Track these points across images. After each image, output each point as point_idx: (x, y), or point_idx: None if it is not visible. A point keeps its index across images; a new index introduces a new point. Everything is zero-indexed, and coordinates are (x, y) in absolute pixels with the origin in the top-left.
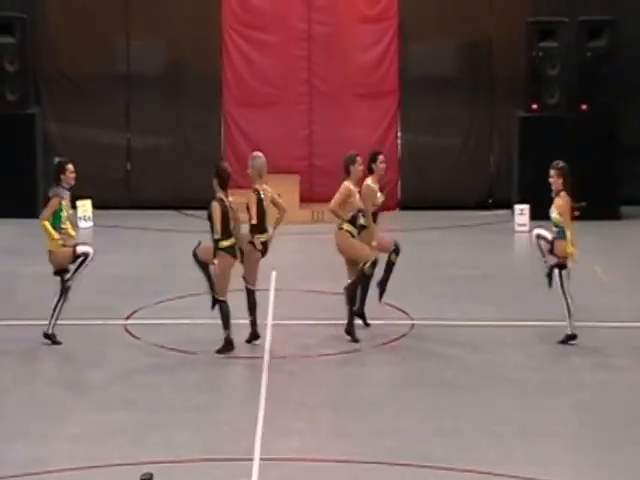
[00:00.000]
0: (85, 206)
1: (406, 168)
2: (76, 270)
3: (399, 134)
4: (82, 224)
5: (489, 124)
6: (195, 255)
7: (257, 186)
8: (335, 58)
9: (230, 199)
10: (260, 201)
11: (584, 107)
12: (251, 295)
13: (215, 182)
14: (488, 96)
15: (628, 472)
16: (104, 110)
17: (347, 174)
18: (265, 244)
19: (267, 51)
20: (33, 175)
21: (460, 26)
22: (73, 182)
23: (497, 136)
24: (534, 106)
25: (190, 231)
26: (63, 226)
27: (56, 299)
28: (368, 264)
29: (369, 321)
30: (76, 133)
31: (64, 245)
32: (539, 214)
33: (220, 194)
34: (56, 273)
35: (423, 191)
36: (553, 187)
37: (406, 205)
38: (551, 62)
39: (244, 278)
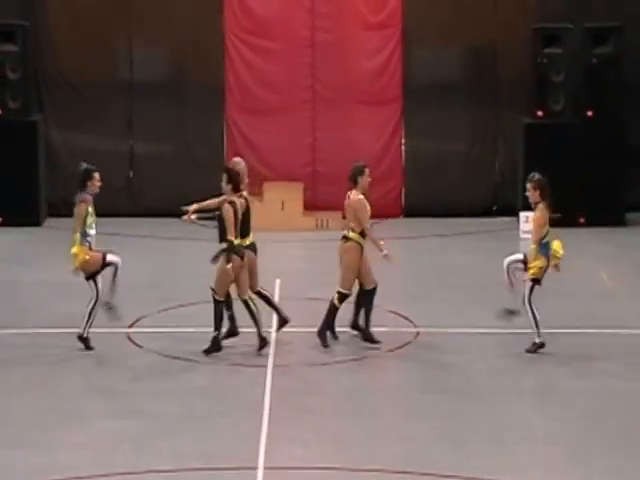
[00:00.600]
0: None
1: (410, 175)
2: (113, 282)
3: (403, 140)
4: None
5: (494, 131)
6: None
7: (234, 198)
8: (339, 65)
9: (245, 194)
10: (236, 214)
11: (589, 113)
12: (245, 305)
13: (227, 185)
14: (493, 103)
15: (635, 478)
16: (106, 117)
17: (354, 184)
18: (251, 246)
19: (270, 58)
20: (35, 183)
21: (465, 32)
22: (98, 190)
23: (502, 143)
24: (539, 112)
25: (193, 238)
26: (91, 232)
27: (92, 304)
28: (336, 298)
29: (372, 327)
30: (78, 140)
31: (91, 249)
32: None
33: (231, 196)
34: (87, 278)
35: (427, 198)
36: (530, 200)
37: (410, 212)
38: (556, 68)
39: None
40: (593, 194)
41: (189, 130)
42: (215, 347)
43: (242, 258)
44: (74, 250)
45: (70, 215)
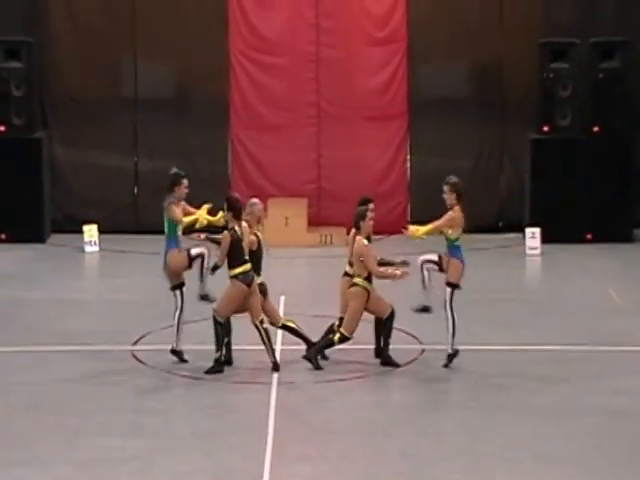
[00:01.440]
0: (91, 230)
1: (416, 191)
2: (201, 276)
3: (408, 157)
4: (88, 248)
5: (500, 146)
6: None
7: (236, 226)
8: (343, 81)
9: (244, 225)
10: (238, 240)
11: (596, 129)
12: (257, 330)
13: (228, 213)
14: (499, 118)
15: None
16: (111, 134)
17: (357, 230)
18: (261, 286)
19: (275, 74)
20: (40, 199)
21: (470, 47)
22: (184, 197)
23: (508, 158)
24: (546, 128)
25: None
26: (179, 233)
27: (177, 314)
28: (337, 338)
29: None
30: (83, 157)
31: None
32: (551, 237)
33: (233, 224)
34: (173, 288)
35: (433, 214)
36: (447, 202)
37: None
38: (563, 83)
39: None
40: (600, 210)
41: (194, 147)
42: (217, 368)
43: (249, 286)
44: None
45: (73, 231)
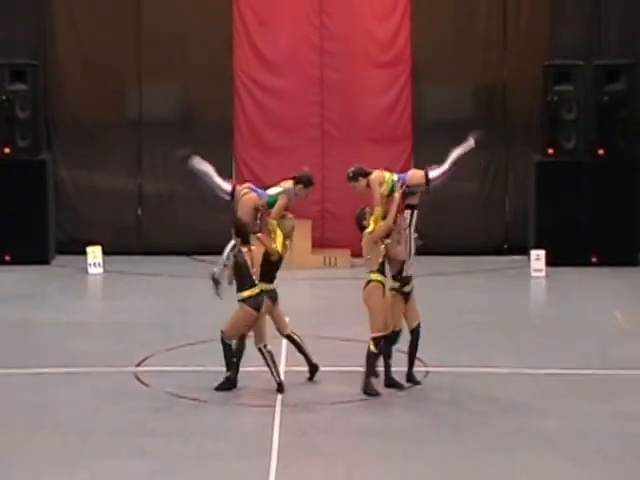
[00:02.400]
0: (95, 252)
1: (420, 212)
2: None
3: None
4: (92, 270)
5: (505, 169)
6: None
7: (244, 250)
8: (348, 103)
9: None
10: (245, 265)
11: (601, 151)
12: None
13: (236, 239)
14: (504, 141)
15: None
16: (115, 156)
17: (362, 230)
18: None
19: (279, 97)
20: (44, 221)
21: (475, 70)
22: (300, 198)
23: (513, 181)
24: (550, 150)
25: (202, 277)
26: None
27: None
28: (371, 344)
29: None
30: (87, 179)
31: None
32: (556, 260)
33: (240, 248)
34: None
35: (438, 236)
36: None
37: (420, 250)
38: (567, 106)
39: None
40: (605, 233)
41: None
42: (226, 385)
43: (258, 310)
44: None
45: (77, 252)
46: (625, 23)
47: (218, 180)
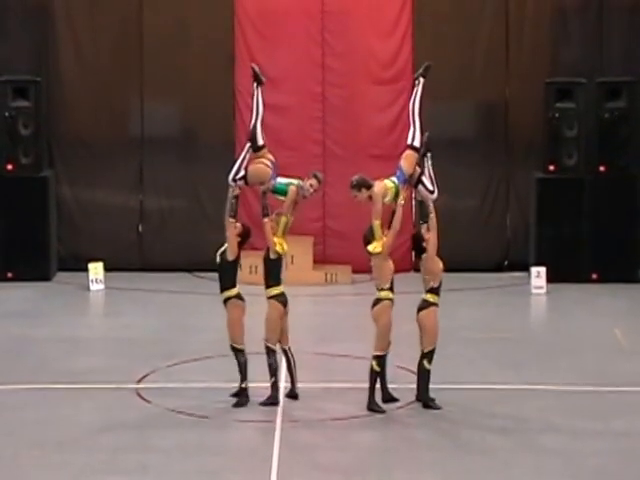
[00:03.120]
0: (97, 268)
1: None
2: None
3: (414, 195)
4: (94, 286)
5: (506, 185)
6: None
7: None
8: (349, 120)
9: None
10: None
11: (602, 168)
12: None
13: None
14: (505, 157)
15: None
16: (117, 173)
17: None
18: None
19: (281, 113)
20: (46, 237)
21: (476, 87)
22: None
23: (514, 197)
24: (551, 167)
25: (203, 293)
26: None
27: None
28: (374, 364)
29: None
30: (89, 195)
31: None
32: (556, 276)
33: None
34: None
35: (439, 252)
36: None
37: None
38: (569, 123)
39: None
40: (606, 250)
41: (200, 185)
42: (274, 397)
43: (285, 305)
44: None
45: (79, 269)
46: (627, 41)
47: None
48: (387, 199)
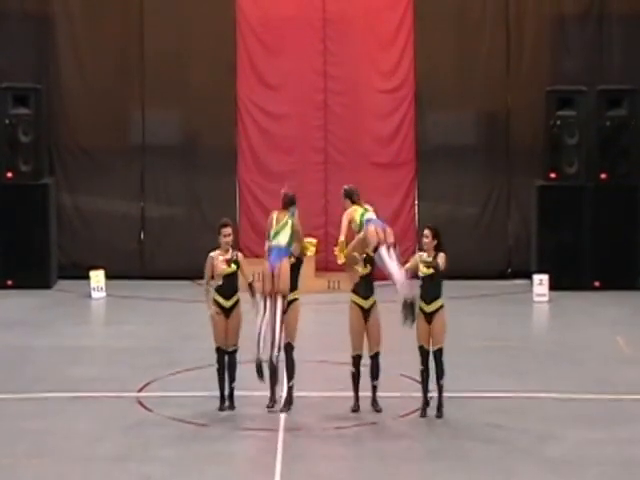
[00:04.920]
0: (98, 276)
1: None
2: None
3: (416, 202)
4: (95, 294)
5: (507, 193)
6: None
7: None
8: (351, 128)
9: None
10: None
11: (603, 176)
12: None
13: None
14: (506, 165)
15: None
16: (118, 180)
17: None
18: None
19: (282, 121)
20: (46, 245)
21: (478, 95)
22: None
23: (515, 205)
24: (553, 175)
25: (204, 301)
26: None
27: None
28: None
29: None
30: (89, 203)
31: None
32: (558, 284)
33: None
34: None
35: None
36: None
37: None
38: (570, 131)
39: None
40: (608, 257)
41: (201, 193)
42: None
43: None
44: None
45: (79, 277)
46: (627, 49)
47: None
48: (353, 225)
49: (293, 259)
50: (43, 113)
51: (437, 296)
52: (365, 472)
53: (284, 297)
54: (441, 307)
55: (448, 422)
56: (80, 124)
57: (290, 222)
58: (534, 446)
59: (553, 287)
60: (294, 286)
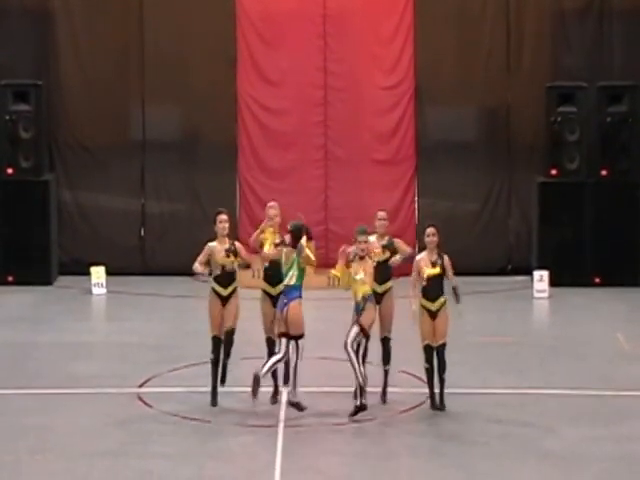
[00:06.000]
0: (99, 272)
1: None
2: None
3: (416, 199)
4: (96, 290)
5: (508, 189)
6: None
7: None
8: (351, 124)
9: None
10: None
11: (604, 172)
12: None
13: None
14: (506, 161)
15: None
16: (118, 176)
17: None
18: None
19: (282, 117)
20: (47, 242)
21: (478, 91)
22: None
23: (516, 201)
24: (553, 171)
25: (205, 297)
26: None
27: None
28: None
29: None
30: (90, 200)
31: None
32: (559, 280)
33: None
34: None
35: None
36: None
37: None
38: (570, 127)
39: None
40: (608, 253)
41: (201, 189)
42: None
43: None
44: None
45: (80, 273)
46: (628, 45)
47: None
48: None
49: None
50: (43, 109)
51: (440, 294)
52: (365, 468)
53: (297, 338)
54: (444, 303)
55: (448, 418)
56: (80, 120)
57: (297, 260)
58: (534, 442)
59: (553, 283)
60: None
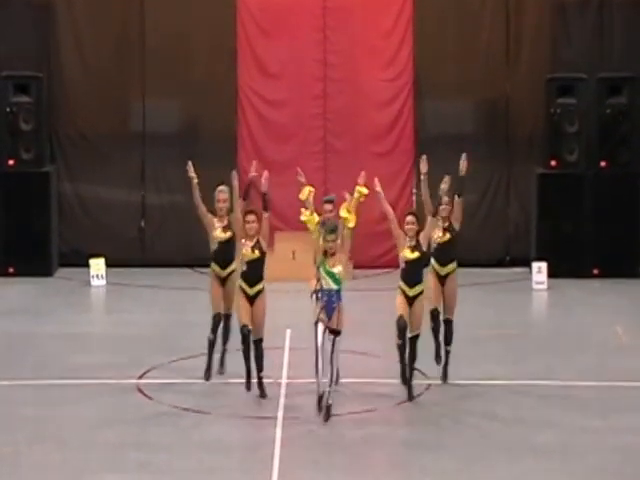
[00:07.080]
0: (98, 264)
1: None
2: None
3: (415, 191)
4: (95, 282)
5: (507, 181)
6: None
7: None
8: (350, 116)
9: None
10: None
11: (603, 164)
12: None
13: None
14: (506, 153)
15: None
16: (119, 168)
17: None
18: None
19: (282, 109)
20: (47, 233)
21: (477, 83)
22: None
23: (515, 193)
24: (552, 163)
25: (205, 289)
26: None
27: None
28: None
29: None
30: (90, 191)
31: None
32: (557, 272)
33: None
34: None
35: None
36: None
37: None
38: (570, 119)
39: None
40: (607, 245)
41: (201, 181)
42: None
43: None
44: None
45: (80, 265)
46: (627, 36)
47: None
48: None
49: (258, 253)
50: (44, 101)
51: (418, 281)
52: (362, 460)
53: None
54: (421, 292)
55: (446, 409)
56: (81, 112)
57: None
58: (532, 434)
59: (552, 275)
60: (260, 277)
